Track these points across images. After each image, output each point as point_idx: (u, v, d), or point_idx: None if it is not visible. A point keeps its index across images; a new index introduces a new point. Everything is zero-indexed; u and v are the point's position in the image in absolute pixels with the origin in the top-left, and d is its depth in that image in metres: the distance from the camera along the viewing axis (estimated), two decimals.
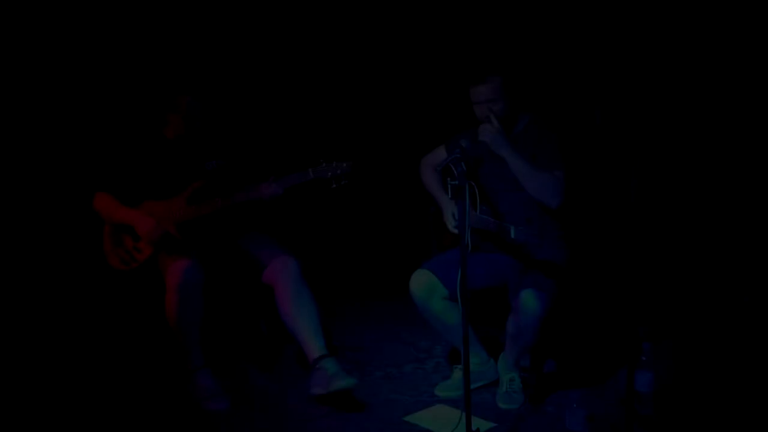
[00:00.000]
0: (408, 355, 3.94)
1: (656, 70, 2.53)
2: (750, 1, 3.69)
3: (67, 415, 3.22)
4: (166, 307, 3.30)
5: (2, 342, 3.78)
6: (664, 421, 3.02)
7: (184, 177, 3.53)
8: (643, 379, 3.09)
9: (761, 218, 4.06)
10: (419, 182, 3.61)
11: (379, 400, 3.39)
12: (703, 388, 3.21)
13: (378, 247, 5.66)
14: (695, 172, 4.50)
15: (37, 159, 4.26)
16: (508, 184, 3.32)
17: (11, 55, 4.16)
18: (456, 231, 3.30)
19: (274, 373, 3.59)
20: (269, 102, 5.09)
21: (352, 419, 3.19)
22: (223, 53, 4.77)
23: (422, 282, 3.29)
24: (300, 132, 5.11)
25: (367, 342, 4.13)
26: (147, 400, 3.38)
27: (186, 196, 3.50)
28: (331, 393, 3.22)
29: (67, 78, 4.31)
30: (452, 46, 4.95)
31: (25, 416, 3.20)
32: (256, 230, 3.71)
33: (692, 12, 3.84)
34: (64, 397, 3.39)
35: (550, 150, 3.22)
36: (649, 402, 3.12)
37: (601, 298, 3.43)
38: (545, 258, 3.21)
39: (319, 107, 5.27)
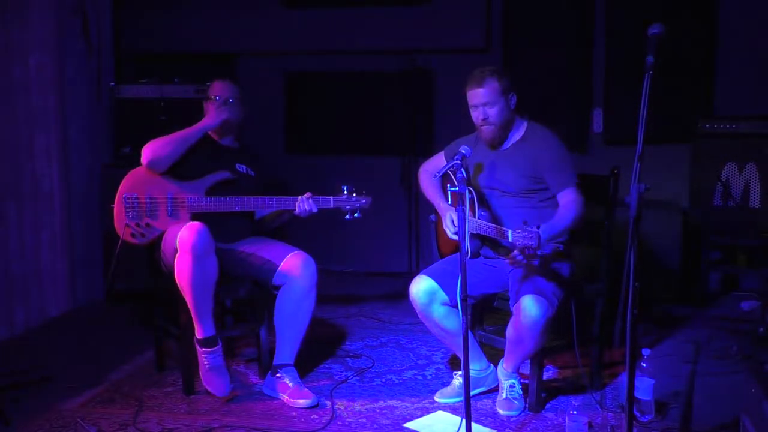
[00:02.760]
0: (408, 361, 3.94)
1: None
2: None
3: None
4: (178, 271, 3.28)
5: None
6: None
7: (213, 169, 3.58)
8: (643, 385, 3.10)
9: None
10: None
11: (379, 406, 3.39)
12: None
13: (378, 252, 5.66)
14: None
15: None
16: (505, 188, 3.33)
17: None
18: (455, 237, 3.30)
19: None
20: None
21: (353, 426, 3.19)
22: None
23: (422, 288, 3.29)
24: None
25: (366, 349, 4.13)
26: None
27: (206, 187, 3.53)
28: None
29: None
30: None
31: None
32: (252, 234, 3.72)
33: None
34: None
35: (561, 166, 3.24)
36: (650, 409, 3.13)
37: (602, 302, 3.44)
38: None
39: None
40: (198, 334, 3.39)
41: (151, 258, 3.62)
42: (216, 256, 3.33)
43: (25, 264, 4.52)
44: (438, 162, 3.55)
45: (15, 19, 4.43)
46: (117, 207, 3.51)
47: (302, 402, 3.37)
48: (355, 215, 3.54)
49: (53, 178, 4.71)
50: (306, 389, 3.44)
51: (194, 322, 3.37)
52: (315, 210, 3.50)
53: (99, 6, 5.13)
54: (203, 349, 3.39)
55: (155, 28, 5.68)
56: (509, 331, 3.17)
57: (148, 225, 3.49)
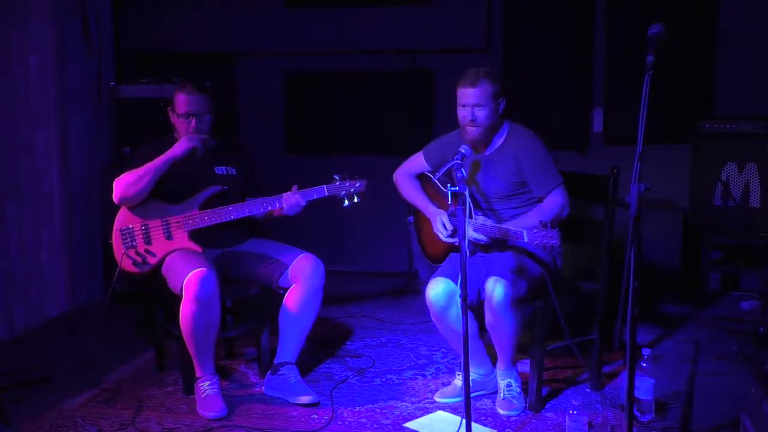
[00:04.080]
0: (408, 361, 3.94)
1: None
2: None
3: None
4: (182, 317, 3.28)
5: None
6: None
7: (193, 181, 3.53)
8: (643, 385, 3.10)
9: None
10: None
11: (379, 406, 3.39)
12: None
13: (378, 252, 5.66)
14: None
15: None
16: (489, 193, 3.33)
17: None
18: (450, 241, 3.30)
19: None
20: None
21: (353, 426, 3.19)
22: None
23: (441, 290, 3.26)
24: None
25: (366, 348, 4.13)
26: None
27: (200, 203, 3.50)
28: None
29: None
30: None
31: None
32: (255, 235, 3.71)
33: None
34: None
35: (543, 169, 3.26)
36: (650, 408, 3.13)
37: (600, 303, 3.44)
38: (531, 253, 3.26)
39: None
40: (197, 373, 3.38)
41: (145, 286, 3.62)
42: (220, 300, 3.31)
43: (25, 264, 4.52)
44: (415, 163, 3.55)
45: (15, 19, 4.44)
46: (115, 241, 3.49)
47: (304, 399, 3.37)
48: (355, 200, 3.50)
49: (53, 178, 4.71)
50: (307, 387, 3.44)
51: (194, 363, 3.37)
52: (303, 203, 3.47)
53: (99, 6, 5.13)
54: (198, 379, 3.38)
55: (155, 28, 5.68)
56: (486, 319, 3.20)
57: (147, 251, 3.46)
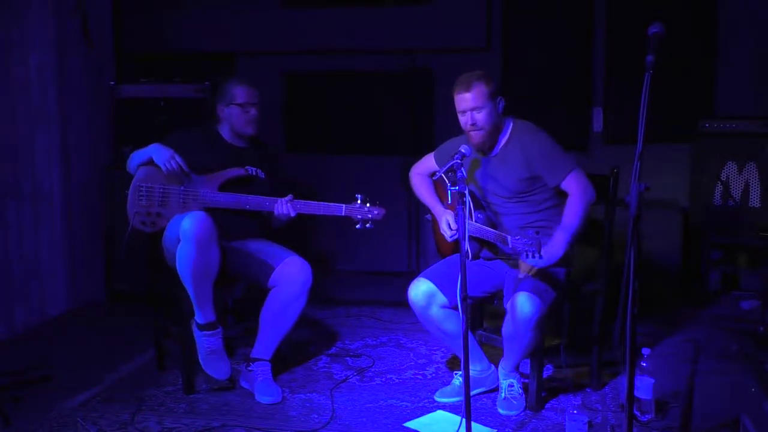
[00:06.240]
0: (408, 361, 3.94)
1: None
2: None
3: None
4: (180, 260, 3.30)
5: None
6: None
7: (221, 167, 3.58)
8: (643, 385, 3.10)
9: None
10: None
11: (379, 406, 3.39)
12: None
13: (378, 251, 5.66)
14: None
15: None
16: (501, 192, 3.32)
17: None
18: (453, 241, 3.30)
19: (275, 380, 3.58)
20: None
21: (353, 426, 3.19)
22: None
23: (421, 291, 3.29)
24: None
25: (366, 348, 4.13)
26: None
27: (220, 183, 3.54)
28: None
29: None
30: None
31: None
32: (256, 236, 3.72)
33: None
34: None
35: (553, 156, 3.23)
36: (650, 408, 3.13)
37: (600, 302, 3.44)
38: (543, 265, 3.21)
39: None
40: (198, 319, 3.40)
41: (153, 250, 3.61)
42: (219, 246, 3.34)
43: (25, 264, 4.52)
44: (428, 164, 3.54)
45: (15, 18, 4.43)
46: (131, 195, 3.53)
47: (267, 399, 3.40)
48: (367, 225, 3.48)
49: (53, 178, 4.71)
50: (275, 386, 3.47)
51: (194, 308, 3.38)
52: (293, 214, 3.49)
53: (99, 6, 5.13)
54: (203, 332, 3.40)
55: (155, 28, 5.68)
56: (504, 328, 3.18)
57: (159, 214, 3.50)
